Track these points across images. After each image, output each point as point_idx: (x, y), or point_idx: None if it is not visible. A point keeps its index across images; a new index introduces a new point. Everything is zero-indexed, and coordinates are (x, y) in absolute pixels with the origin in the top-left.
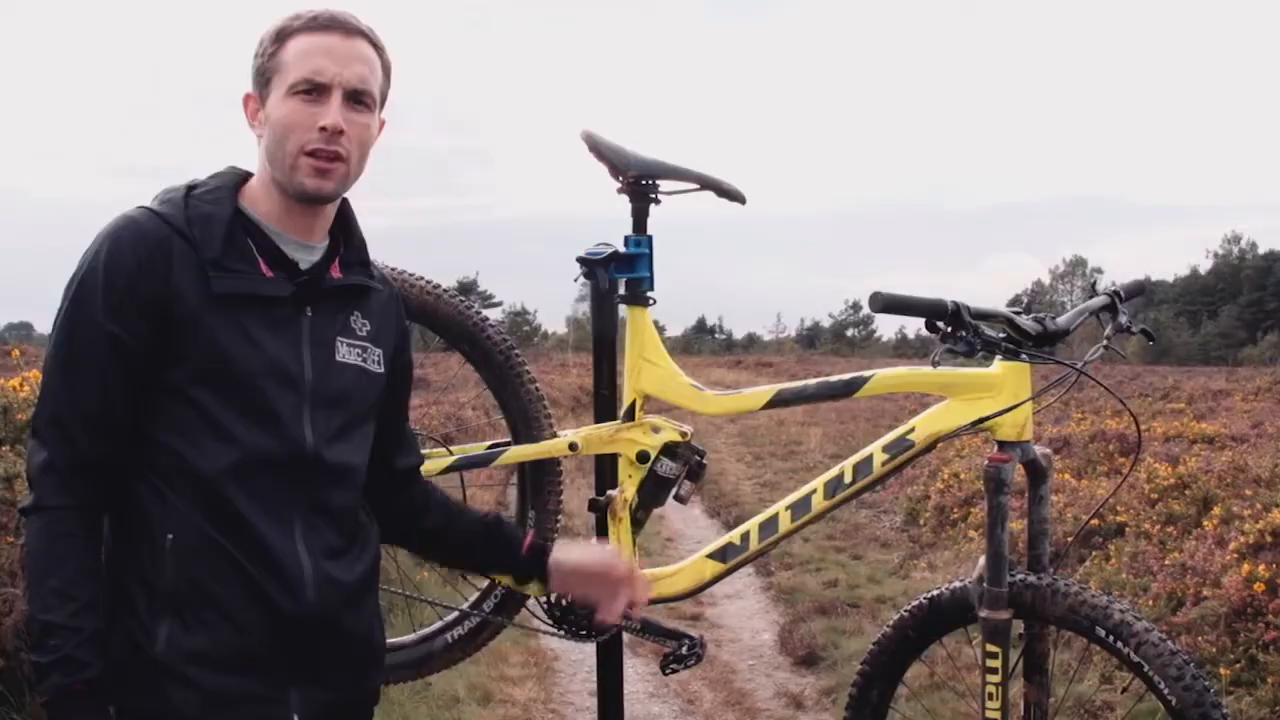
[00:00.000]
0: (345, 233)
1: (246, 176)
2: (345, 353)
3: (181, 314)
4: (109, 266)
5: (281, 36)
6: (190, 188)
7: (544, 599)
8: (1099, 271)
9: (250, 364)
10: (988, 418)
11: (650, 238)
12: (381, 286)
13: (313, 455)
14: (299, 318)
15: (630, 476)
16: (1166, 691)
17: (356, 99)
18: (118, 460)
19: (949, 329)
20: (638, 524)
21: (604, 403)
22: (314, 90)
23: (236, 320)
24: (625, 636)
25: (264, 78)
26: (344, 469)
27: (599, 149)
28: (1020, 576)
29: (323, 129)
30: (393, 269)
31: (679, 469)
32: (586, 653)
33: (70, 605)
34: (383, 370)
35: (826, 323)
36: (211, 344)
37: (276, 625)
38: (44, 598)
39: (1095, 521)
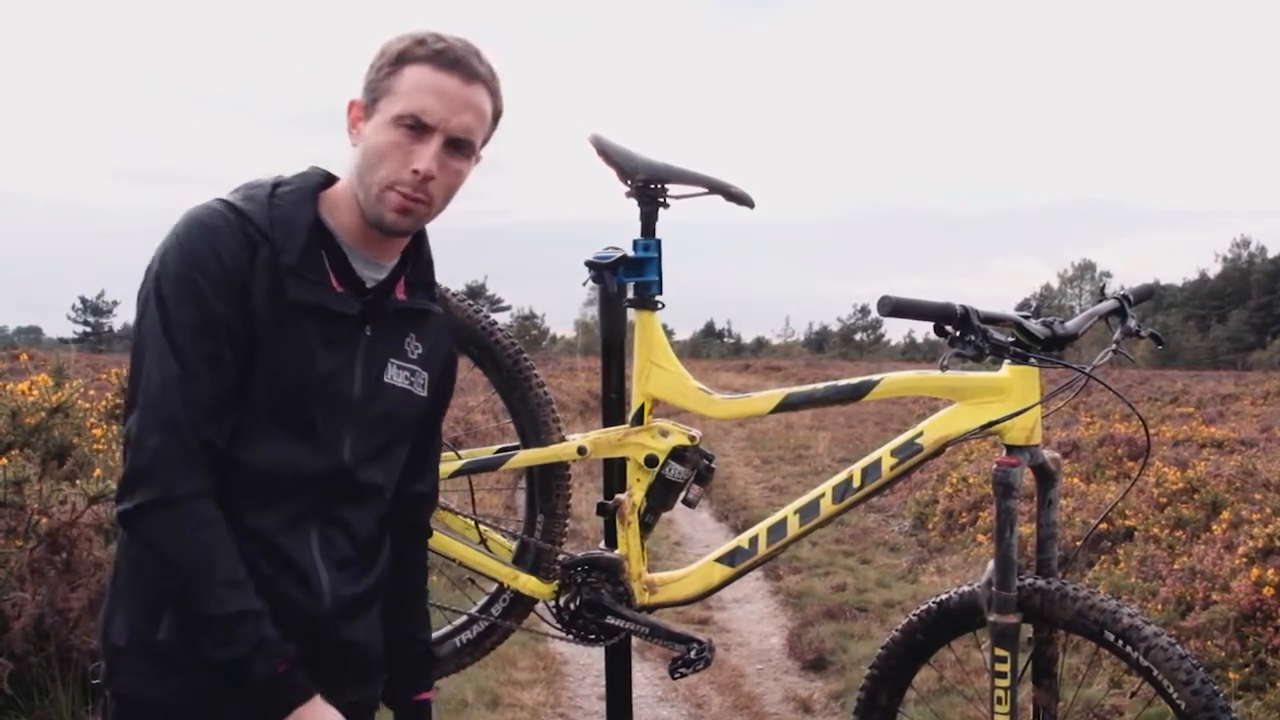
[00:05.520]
0: (415, 252)
1: (328, 180)
2: (394, 374)
3: (253, 311)
4: (208, 250)
5: (402, 60)
6: (275, 186)
7: (553, 603)
8: (1108, 275)
9: (301, 376)
10: (996, 422)
11: (659, 241)
12: (440, 309)
13: (346, 472)
14: (358, 335)
15: (639, 480)
16: (1175, 696)
17: (457, 146)
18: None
19: (957, 333)
20: (646, 528)
21: (612, 407)
22: (417, 127)
23: (299, 330)
24: (634, 640)
25: (372, 94)
26: (372, 488)
27: (607, 153)
28: (1029, 580)
29: (415, 171)
30: None
31: (687, 473)
32: (595, 657)
33: (244, 591)
34: (426, 395)
35: (835, 326)
36: (270, 349)
37: (290, 627)
38: (215, 592)
39: (1104, 525)
